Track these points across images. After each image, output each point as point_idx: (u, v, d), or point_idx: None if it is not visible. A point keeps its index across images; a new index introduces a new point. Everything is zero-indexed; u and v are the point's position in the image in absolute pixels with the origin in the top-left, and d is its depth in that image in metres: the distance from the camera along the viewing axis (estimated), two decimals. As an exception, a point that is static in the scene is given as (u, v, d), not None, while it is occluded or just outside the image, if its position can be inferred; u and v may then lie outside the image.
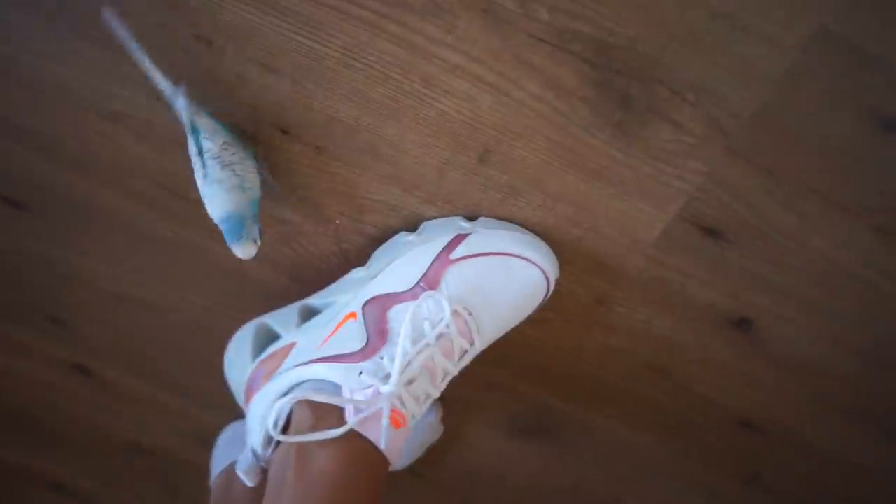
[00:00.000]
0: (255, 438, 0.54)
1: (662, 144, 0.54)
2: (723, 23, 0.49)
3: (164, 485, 0.84)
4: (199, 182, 0.53)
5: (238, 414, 0.76)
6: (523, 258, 0.55)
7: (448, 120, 0.55)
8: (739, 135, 0.53)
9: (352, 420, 0.48)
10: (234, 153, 0.53)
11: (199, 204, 0.61)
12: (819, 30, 0.48)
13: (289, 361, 0.55)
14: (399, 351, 0.50)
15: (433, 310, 0.52)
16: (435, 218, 0.59)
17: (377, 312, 0.53)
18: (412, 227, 0.59)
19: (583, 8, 0.49)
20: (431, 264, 0.54)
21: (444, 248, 0.55)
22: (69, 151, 0.61)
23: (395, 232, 0.60)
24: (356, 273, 0.59)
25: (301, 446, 0.50)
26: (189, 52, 0.54)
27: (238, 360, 0.62)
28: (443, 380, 0.54)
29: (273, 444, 0.53)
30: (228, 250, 0.62)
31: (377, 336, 0.52)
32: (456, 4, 0.49)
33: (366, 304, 0.54)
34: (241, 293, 0.66)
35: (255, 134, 0.57)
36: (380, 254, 0.59)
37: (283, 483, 0.49)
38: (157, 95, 0.53)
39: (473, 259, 0.54)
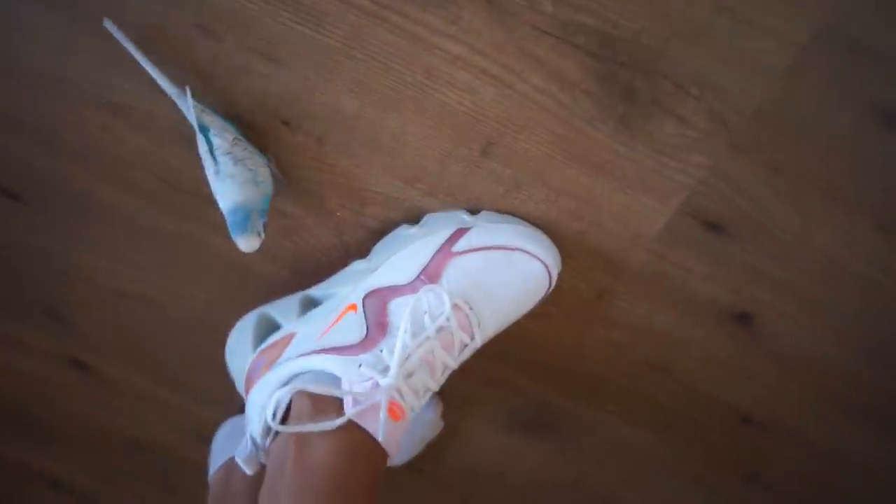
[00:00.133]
0: (254, 427, 0.54)
1: (666, 138, 0.54)
2: (727, 17, 0.49)
3: (163, 482, 0.84)
4: (211, 179, 0.53)
5: (237, 410, 0.76)
6: (525, 252, 0.55)
7: (450, 112, 0.54)
8: (742, 129, 0.53)
9: (350, 411, 0.48)
10: (244, 148, 0.53)
11: (199, 197, 0.61)
12: (822, 25, 0.48)
13: (289, 351, 0.55)
14: (398, 344, 0.50)
15: (434, 303, 0.52)
16: (437, 211, 0.58)
17: (377, 305, 0.53)
18: (414, 220, 0.59)
19: (587, 0, 0.49)
20: (433, 257, 0.54)
21: (445, 241, 0.54)
22: (68, 144, 0.61)
23: (396, 224, 0.59)
24: (357, 265, 0.58)
25: (300, 436, 0.49)
26: (190, 42, 0.53)
27: (239, 350, 0.62)
28: (442, 373, 0.53)
29: (272, 434, 0.52)
30: (230, 244, 0.62)
31: (377, 328, 0.52)
32: (459, -5, 0.49)
33: (366, 296, 0.54)
34: (242, 287, 0.66)
35: (256, 125, 0.56)
36: (381, 246, 0.59)
37: (281, 472, 0.49)
38: (157, 87, 0.53)
39: (475, 252, 0.54)
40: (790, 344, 0.64)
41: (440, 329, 0.52)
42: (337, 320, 0.54)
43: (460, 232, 0.55)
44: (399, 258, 0.55)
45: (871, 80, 0.51)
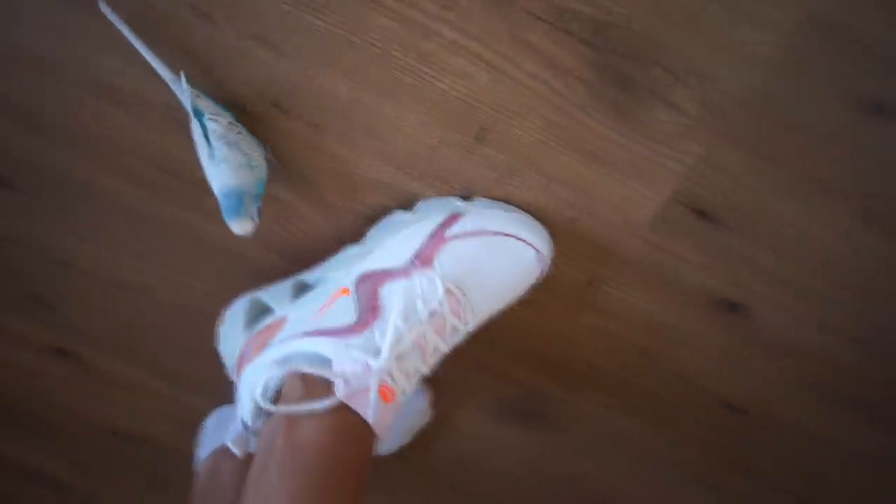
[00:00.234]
0: (245, 409, 0.54)
1: (658, 125, 0.55)
2: (718, 5, 0.49)
3: (151, 473, 0.83)
4: (205, 163, 0.53)
5: (228, 400, 0.76)
6: (518, 238, 0.55)
7: (445, 98, 0.55)
8: (733, 117, 0.54)
9: (341, 393, 0.48)
10: (239, 132, 0.53)
11: (195, 184, 0.61)
12: (812, 14, 0.49)
13: (281, 334, 0.55)
14: (390, 327, 0.50)
15: (426, 288, 0.53)
16: (430, 197, 0.59)
17: (369, 289, 0.53)
18: (407, 206, 0.59)
19: (581, -14, 0.49)
20: (426, 242, 0.54)
21: (439, 226, 0.55)
22: (63, 130, 0.60)
23: (390, 211, 0.59)
24: (350, 249, 0.59)
25: (290, 417, 0.50)
26: (188, 27, 0.53)
27: (231, 334, 0.62)
28: (434, 357, 0.54)
29: (263, 416, 0.53)
30: (224, 230, 0.62)
31: (369, 312, 0.52)
32: (456, -20, 0.50)
33: (359, 280, 0.54)
34: (235, 273, 0.66)
35: (252, 110, 0.56)
36: (375, 231, 0.59)
37: (270, 451, 0.49)
38: (154, 72, 0.52)
39: (468, 238, 0.55)
40: (781, 333, 0.64)
41: (432, 313, 0.52)
42: (329, 304, 0.54)
43: (454, 217, 0.55)
44: (392, 243, 0.56)
45: (859, 69, 0.52)
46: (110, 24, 0.51)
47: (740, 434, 0.71)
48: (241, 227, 0.51)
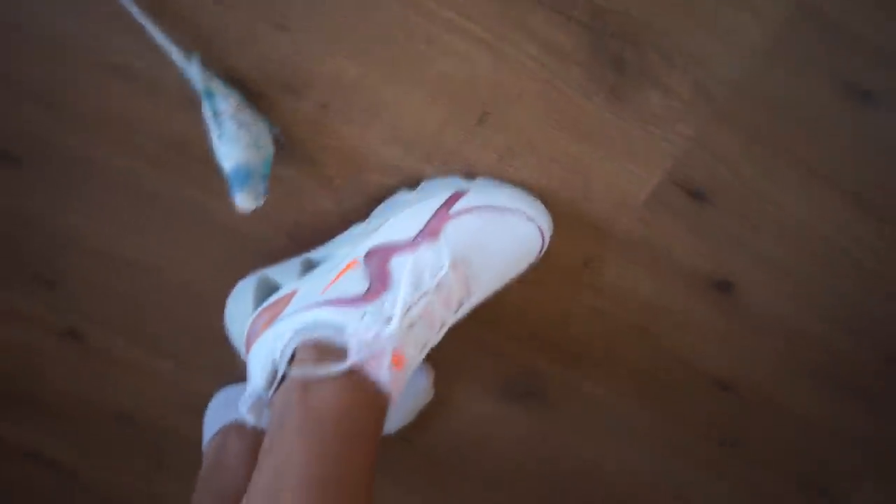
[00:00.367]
0: (257, 380, 0.55)
1: (652, 108, 0.57)
2: (711, -9, 0.52)
3: (152, 456, 0.84)
4: (215, 142, 0.55)
5: (233, 381, 0.77)
6: (521, 214, 0.58)
7: (449, 80, 0.57)
8: (725, 101, 0.57)
9: (355, 357, 0.50)
10: (247, 112, 0.55)
11: (203, 163, 0.62)
12: (801, 2, 0.52)
13: (291, 307, 0.56)
14: (401, 295, 0.52)
15: (433, 260, 0.55)
16: (433, 177, 0.61)
17: (379, 261, 0.55)
18: (411, 186, 0.61)
19: (581, -28, 0.52)
20: (431, 218, 0.56)
21: (443, 203, 0.57)
22: (73, 108, 0.62)
23: (394, 190, 0.61)
24: (356, 228, 0.61)
25: (303, 384, 0.51)
26: (198, 7, 0.55)
27: (239, 312, 0.63)
28: (441, 328, 0.56)
29: (275, 385, 0.54)
30: (230, 210, 0.64)
31: (379, 282, 0.54)
32: (461, -35, 0.52)
33: (367, 253, 0.56)
34: (241, 254, 0.67)
35: (261, 91, 0.58)
36: (380, 211, 0.61)
37: (284, 420, 0.50)
38: (164, 52, 0.54)
39: (472, 214, 0.57)
40: (771, 313, 0.67)
41: (439, 285, 0.54)
42: (338, 276, 0.56)
43: (458, 195, 0.57)
44: (398, 219, 0.58)
45: (847, 57, 0.55)
46: (122, 4, 0.53)
47: (725, 410, 0.73)
48: (246, 201, 0.53)
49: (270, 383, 0.55)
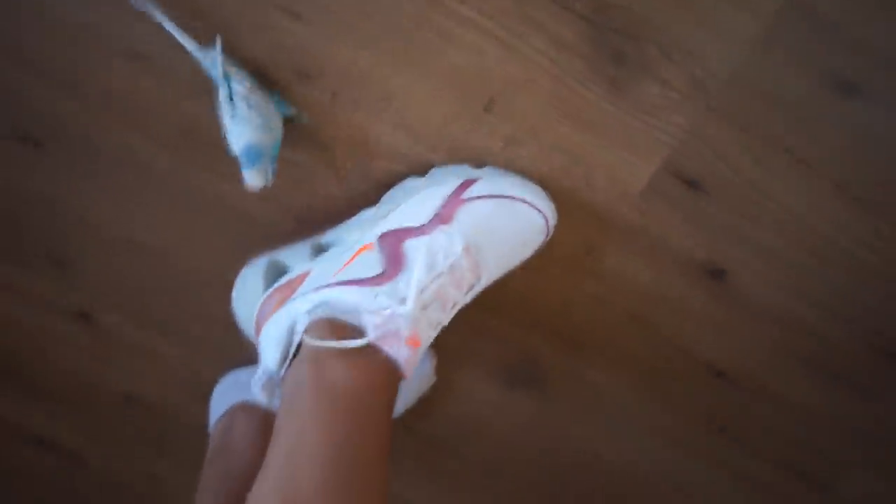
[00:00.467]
0: (269, 359, 0.56)
1: (650, 100, 0.60)
2: (708, -13, 0.55)
3: (155, 439, 0.85)
4: (227, 122, 0.57)
5: (239, 365, 0.79)
6: (529, 203, 0.60)
7: (457, 71, 0.59)
8: (720, 94, 0.59)
9: (371, 334, 0.51)
10: (260, 95, 0.58)
11: (217, 147, 0.64)
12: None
13: (304, 287, 0.58)
14: (415, 276, 0.53)
15: (446, 243, 0.56)
16: (441, 164, 0.63)
17: (392, 244, 0.57)
18: (420, 173, 0.63)
19: (585, -33, 0.55)
20: (445, 203, 0.59)
21: (456, 189, 0.59)
22: (92, 92, 0.64)
23: (402, 177, 0.64)
24: (367, 213, 0.63)
25: (317, 363, 0.52)
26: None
27: (247, 295, 0.65)
28: (452, 309, 0.57)
29: (287, 363, 0.56)
30: (245, 194, 0.66)
31: (393, 264, 0.55)
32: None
33: (381, 237, 0.58)
34: (250, 237, 0.69)
35: (274, 78, 0.61)
36: (389, 197, 0.63)
37: (296, 396, 0.51)
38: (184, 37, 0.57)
39: (484, 200, 0.59)
40: (760, 300, 0.69)
41: (452, 267, 0.56)
42: (352, 259, 0.57)
43: (469, 182, 0.60)
44: (411, 205, 0.60)
45: (835, 52, 0.58)
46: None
47: (726, 401, 0.76)
48: (255, 179, 0.55)
49: (283, 362, 0.56)
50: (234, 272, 0.70)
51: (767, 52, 0.58)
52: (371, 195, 0.65)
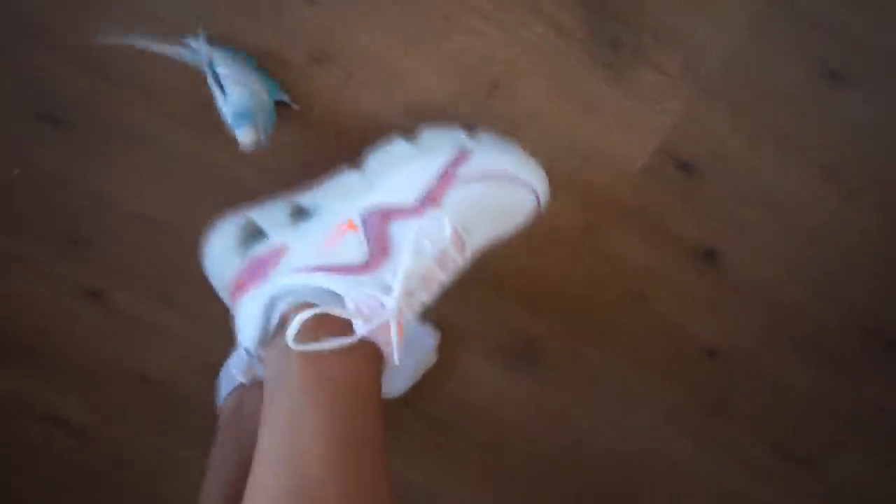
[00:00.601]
0: (247, 337, 0.57)
1: (645, 84, 0.63)
2: (701, -23, 0.58)
3: (166, 415, 0.87)
4: (221, 105, 0.59)
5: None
6: (522, 182, 0.60)
7: (464, 55, 0.62)
8: (712, 79, 0.62)
9: (361, 330, 0.52)
10: (246, 72, 0.60)
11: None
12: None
13: (284, 265, 0.57)
14: (402, 266, 0.54)
15: (434, 228, 0.56)
16: (434, 128, 0.62)
17: (378, 225, 0.56)
18: (408, 136, 0.62)
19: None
20: (435, 180, 0.57)
21: (447, 165, 0.58)
22: (115, 71, 0.66)
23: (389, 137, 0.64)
24: (349, 177, 0.60)
25: (306, 357, 0.52)
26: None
27: (220, 254, 0.62)
28: (436, 289, 0.58)
29: (265, 343, 0.56)
30: (261, 175, 0.69)
31: (379, 251, 0.55)
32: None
33: (366, 215, 0.57)
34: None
35: (285, 60, 0.63)
36: (375, 161, 0.60)
37: (286, 381, 0.52)
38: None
39: (476, 180, 0.58)
40: (751, 280, 0.72)
41: (439, 252, 0.56)
42: (336, 238, 0.56)
43: (463, 156, 0.58)
44: (399, 177, 0.58)
45: (824, 41, 0.61)
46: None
47: (719, 380, 0.78)
48: (246, 136, 0.56)
49: (261, 342, 0.56)
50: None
51: (758, 39, 0.61)
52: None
